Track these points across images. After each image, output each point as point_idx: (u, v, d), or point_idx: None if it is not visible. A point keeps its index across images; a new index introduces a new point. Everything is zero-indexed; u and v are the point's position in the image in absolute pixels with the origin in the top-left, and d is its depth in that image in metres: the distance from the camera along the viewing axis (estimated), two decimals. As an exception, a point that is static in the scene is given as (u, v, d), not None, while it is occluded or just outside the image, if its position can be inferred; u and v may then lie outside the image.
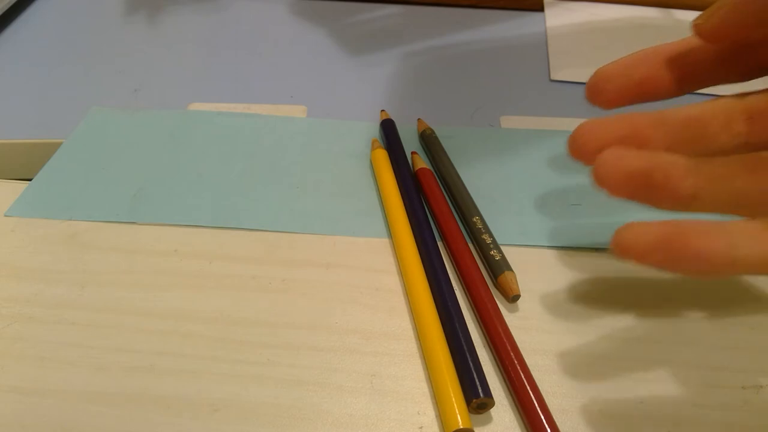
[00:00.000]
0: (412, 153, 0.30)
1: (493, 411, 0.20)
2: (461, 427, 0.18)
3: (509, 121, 0.34)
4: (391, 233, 0.26)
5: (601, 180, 0.20)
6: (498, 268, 0.24)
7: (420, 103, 0.35)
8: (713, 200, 0.19)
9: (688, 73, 0.22)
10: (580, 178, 0.29)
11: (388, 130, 0.31)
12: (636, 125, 0.21)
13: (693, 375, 0.21)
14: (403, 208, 0.26)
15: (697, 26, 0.20)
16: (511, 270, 0.24)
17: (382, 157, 0.29)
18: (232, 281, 0.24)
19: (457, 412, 0.19)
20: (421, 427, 0.19)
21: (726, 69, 0.22)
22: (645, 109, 0.22)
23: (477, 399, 0.19)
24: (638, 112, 0.21)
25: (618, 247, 0.19)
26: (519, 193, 0.28)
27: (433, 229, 0.26)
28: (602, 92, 0.22)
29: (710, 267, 0.18)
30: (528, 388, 0.20)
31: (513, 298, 0.23)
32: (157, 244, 0.26)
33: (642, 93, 0.22)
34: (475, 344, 0.21)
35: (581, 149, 0.21)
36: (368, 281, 0.24)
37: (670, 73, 0.22)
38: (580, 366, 0.21)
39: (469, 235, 0.26)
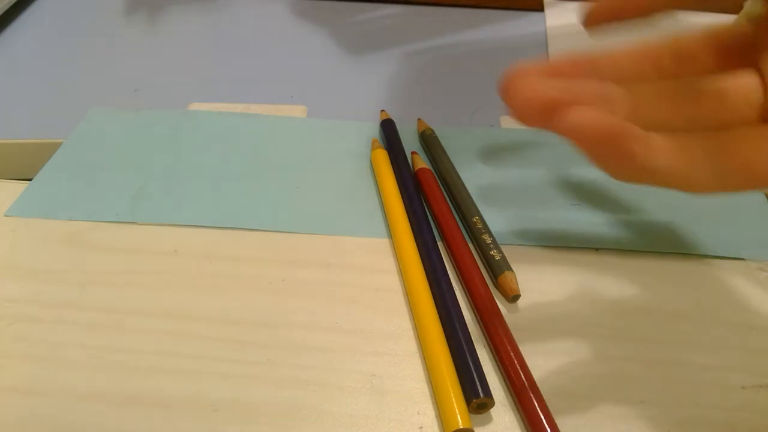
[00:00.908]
0: (412, 153, 0.30)
1: (493, 411, 0.20)
2: (461, 427, 0.18)
3: (509, 121, 0.34)
4: (391, 233, 0.26)
5: (512, 100, 0.19)
6: (498, 268, 0.24)
7: (420, 103, 0.35)
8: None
9: None
10: (580, 178, 0.29)
11: (388, 130, 0.31)
12: (558, 68, 0.21)
13: (693, 375, 0.21)
14: (403, 208, 0.26)
15: None
16: (511, 270, 0.24)
17: (382, 157, 0.29)
18: (232, 281, 0.24)
19: (457, 412, 0.19)
20: (421, 427, 0.19)
21: None
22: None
23: (477, 399, 0.19)
24: (564, 58, 0.21)
25: (564, 127, 0.18)
26: (519, 193, 0.28)
27: (433, 229, 0.26)
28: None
29: (631, 170, 0.18)
30: (528, 388, 0.20)
31: (513, 298, 0.23)
32: (157, 244, 0.25)
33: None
34: (475, 344, 0.21)
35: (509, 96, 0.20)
36: (368, 281, 0.24)
37: None
38: (580, 366, 0.21)
39: (469, 235, 0.26)
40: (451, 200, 0.28)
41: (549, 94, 0.19)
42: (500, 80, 0.20)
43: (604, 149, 0.18)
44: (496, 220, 0.27)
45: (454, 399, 0.19)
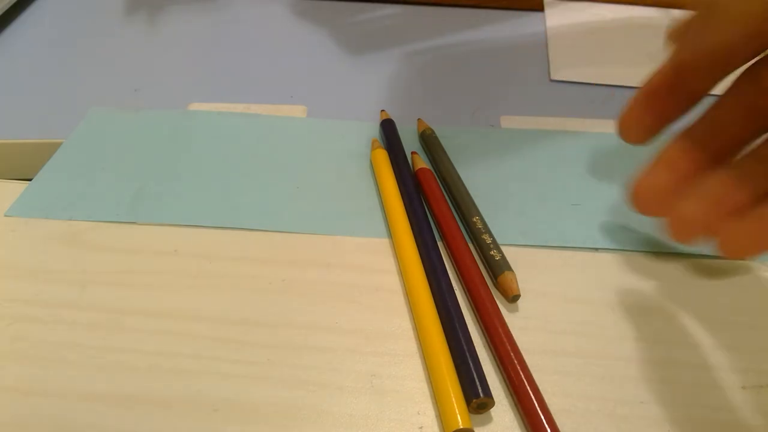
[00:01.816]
0: (412, 153, 0.30)
1: (493, 411, 0.20)
2: (461, 427, 0.18)
3: (509, 121, 0.34)
4: (391, 233, 0.26)
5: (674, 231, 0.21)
6: (498, 268, 0.24)
7: (420, 103, 0.35)
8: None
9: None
10: (580, 178, 0.29)
11: (388, 130, 0.31)
12: (678, 167, 0.21)
13: (693, 375, 0.21)
14: (403, 208, 0.26)
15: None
16: (511, 270, 0.24)
17: (382, 157, 0.29)
18: (232, 281, 0.24)
19: (457, 412, 0.19)
20: (421, 427, 0.19)
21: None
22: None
23: (477, 399, 0.19)
24: (670, 146, 0.21)
25: (672, 229, 0.21)
26: (519, 193, 0.28)
27: (433, 229, 0.26)
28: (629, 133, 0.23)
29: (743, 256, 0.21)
30: (528, 388, 0.20)
31: (513, 298, 0.23)
32: (157, 244, 0.26)
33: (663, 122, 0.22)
34: (475, 344, 0.21)
35: (643, 207, 0.22)
36: (368, 281, 0.24)
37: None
38: (580, 366, 0.21)
39: (469, 235, 0.26)
40: (451, 200, 0.28)
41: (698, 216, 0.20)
42: (634, 199, 0.22)
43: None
44: (496, 220, 0.27)
45: (454, 399, 0.19)
